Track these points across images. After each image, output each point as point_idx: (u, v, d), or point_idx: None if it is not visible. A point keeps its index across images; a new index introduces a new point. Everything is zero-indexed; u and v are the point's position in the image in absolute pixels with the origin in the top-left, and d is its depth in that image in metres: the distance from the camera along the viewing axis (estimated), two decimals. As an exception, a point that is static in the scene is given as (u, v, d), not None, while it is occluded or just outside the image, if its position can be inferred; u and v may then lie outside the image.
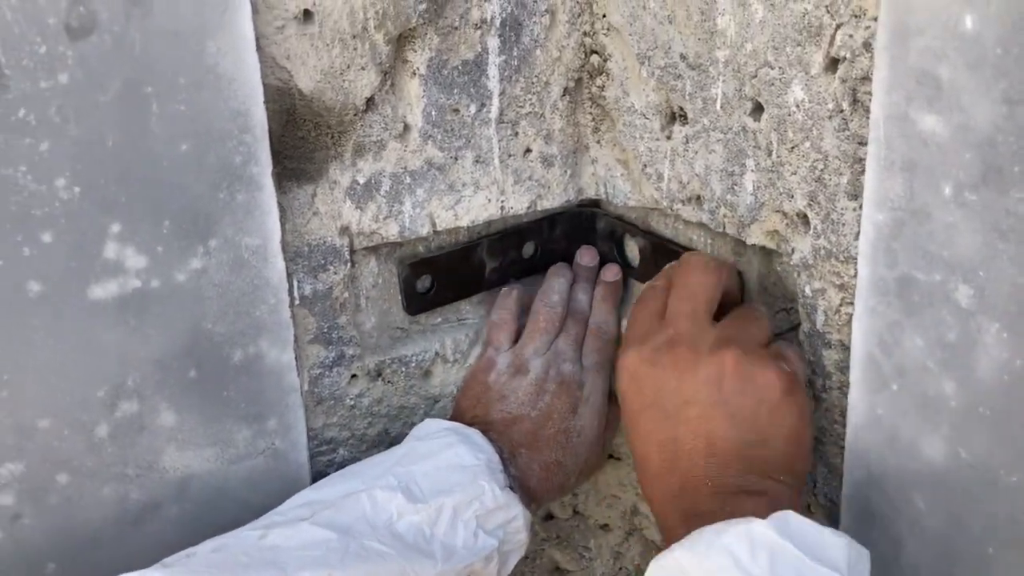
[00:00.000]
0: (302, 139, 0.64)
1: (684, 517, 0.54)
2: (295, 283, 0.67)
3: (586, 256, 0.79)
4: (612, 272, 0.78)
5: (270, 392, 0.66)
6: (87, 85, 0.54)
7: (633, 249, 0.77)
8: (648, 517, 0.83)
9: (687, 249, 0.72)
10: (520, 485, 0.69)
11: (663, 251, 0.73)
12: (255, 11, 0.59)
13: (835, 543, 0.48)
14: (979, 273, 0.47)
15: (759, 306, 0.65)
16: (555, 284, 0.76)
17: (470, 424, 0.70)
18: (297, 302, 0.67)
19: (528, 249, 0.78)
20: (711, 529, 0.50)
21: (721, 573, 0.47)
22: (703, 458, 0.57)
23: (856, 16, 0.52)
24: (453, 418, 0.74)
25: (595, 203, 0.80)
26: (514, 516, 0.65)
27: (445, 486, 0.62)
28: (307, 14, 0.61)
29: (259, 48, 0.59)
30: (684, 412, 0.58)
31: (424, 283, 0.74)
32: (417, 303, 0.74)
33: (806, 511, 0.65)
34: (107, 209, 0.57)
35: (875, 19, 0.50)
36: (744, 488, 0.55)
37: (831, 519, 0.63)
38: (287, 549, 0.57)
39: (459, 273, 0.75)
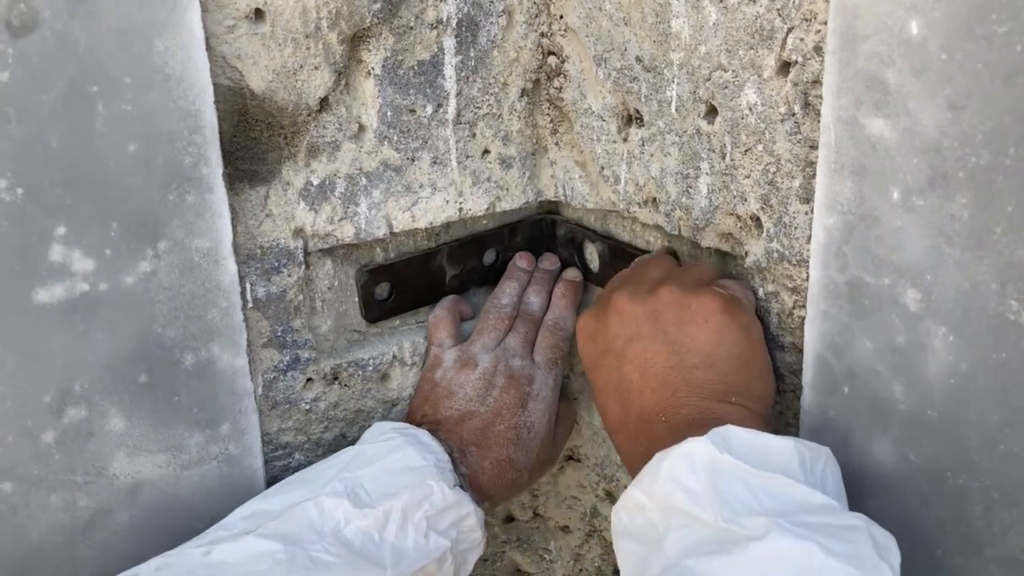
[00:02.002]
0: (254, 140, 0.64)
1: (647, 457, 0.52)
2: (248, 286, 0.66)
3: (546, 261, 0.79)
4: (573, 272, 0.78)
5: (223, 397, 0.65)
6: (29, 84, 0.53)
7: (593, 254, 0.77)
8: (608, 519, 0.83)
9: (645, 252, 0.72)
10: (471, 483, 0.68)
11: (621, 255, 0.73)
12: (205, 10, 0.58)
13: (781, 447, 0.47)
14: (927, 277, 0.47)
15: (706, 260, 0.66)
16: (506, 287, 0.76)
17: (419, 424, 0.70)
18: (250, 305, 0.66)
19: (489, 257, 0.78)
20: (655, 458, 0.49)
21: (668, 498, 0.46)
22: (651, 391, 0.57)
23: (807, 20, 0.52)
24: (406, 419, 0.73)
25: (554, 206, 0.80)
26: (466, 514, 0.65)
27: (393, 489, 0.62)
28: (258, 13, 0.60)
29: (209, 47, 0.58)
30: (628, 350, 0.59)
31: (383, 290, 0.73)
32: (376, 311, 0.73)
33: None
34: (52, 211, 0.56)
35: (825, 23, 0.50)
36: (698, 419, 0.54)
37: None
38: (233, 564, 0.56)
39: (419, 280, 0.75)
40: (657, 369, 0.57)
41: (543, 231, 0.80)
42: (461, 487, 0.65)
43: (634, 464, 0.56)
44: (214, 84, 0.59)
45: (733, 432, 0.48)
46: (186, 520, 0.66)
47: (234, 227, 0.63)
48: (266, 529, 0.58)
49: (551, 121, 0.75)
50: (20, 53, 0.52)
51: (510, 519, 0.89)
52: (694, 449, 0.48)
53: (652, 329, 0.58)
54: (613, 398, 0.59)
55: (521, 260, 0.78)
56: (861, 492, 0.54)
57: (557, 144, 0.76)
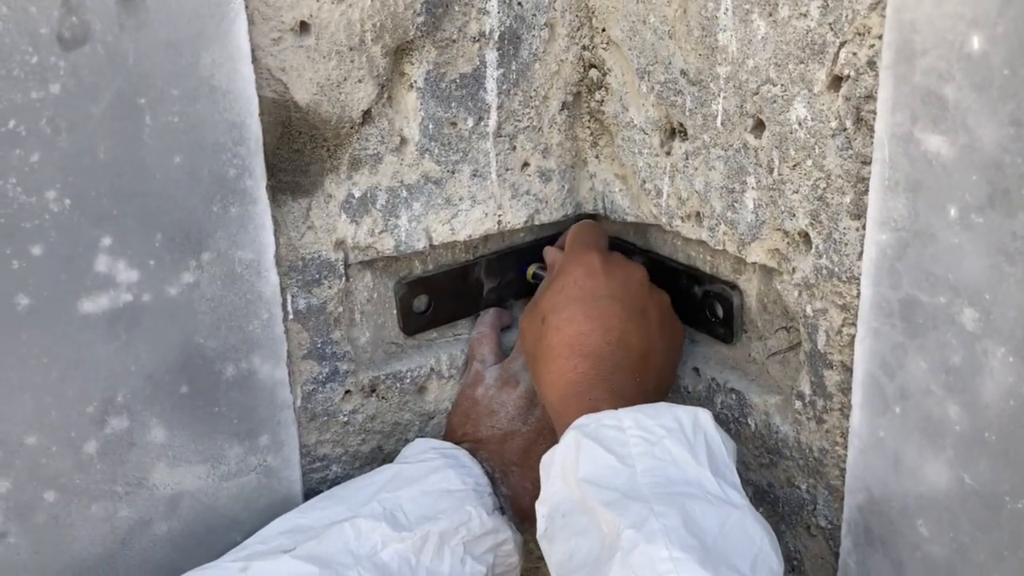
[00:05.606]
0: (297, 152, 0.64)
1: (628, 397, 0.61)
2: (289, 297, 0.66)
3: None
4: None
5: (262, 408, 0.65)
6: (79, 96, 0.53)
7: (631, 265, 0.76)
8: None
9: (686, 267, 0.71)
10: (512, 503, 0.67)
11: (661, 268, 0.72)
12: (251, 22, 0.58)
13: (733, 446, 0.58)
14: (985, 296, 0.46)
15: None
16: None
17: (460, 442, 0.69)
18: (291, 317, 0.66)
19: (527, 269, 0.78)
20: (664, 405, 0.58)
21: (668, 432, 0.56)
22: (649, 354, 0.65)
23: (860, 34, 0.51)
24: (445, 436, 0.73)
25: (593, 218, 0.79)
26: (504, 540, 0.64)
27: (431, 512, 0.62)
28: (304, 26, 0.61)
29: (255, 60, 0.59)
30: (647, 314, 0.66)
31: (421, 303, 0.73)
32: (414, 323, 0.73)
33: (807, 533, 0.64)
34: (98, 222, 0.56)
35: (879, 38, 0.50)
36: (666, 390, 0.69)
37: (831, 541, 0.62)
38: None
39: (456, 293, 0.74)
40: (656, 345, 0.66)
41: None
42: (501, 510, 0.65)
43: (610, 395, 0.61)
44: (259, 96, 0.59)
45: (714, 422, 0.58)
46: (224, 531, 0.66)
47: (276, 239, 0.63)
48: (302, 550, 0.58)
49: (591, 134, 0.75)
50: (71, 65, 0.53)
51: (544, 534, 0.88)
52: (702, 415, 0.57)
53: (657, 310, 0.68)
54: (619, 336, 0.64)
55: None
56: (912, 513, 0.53)
57: (597, 157, 0.75)
